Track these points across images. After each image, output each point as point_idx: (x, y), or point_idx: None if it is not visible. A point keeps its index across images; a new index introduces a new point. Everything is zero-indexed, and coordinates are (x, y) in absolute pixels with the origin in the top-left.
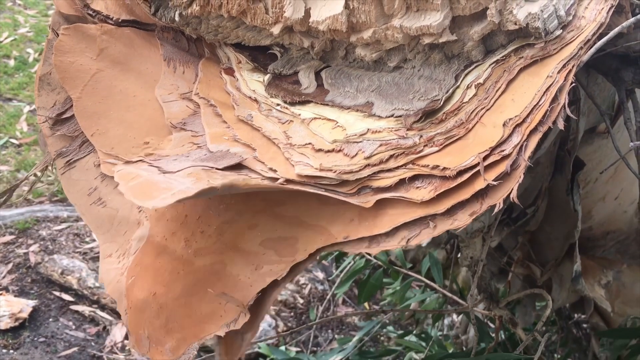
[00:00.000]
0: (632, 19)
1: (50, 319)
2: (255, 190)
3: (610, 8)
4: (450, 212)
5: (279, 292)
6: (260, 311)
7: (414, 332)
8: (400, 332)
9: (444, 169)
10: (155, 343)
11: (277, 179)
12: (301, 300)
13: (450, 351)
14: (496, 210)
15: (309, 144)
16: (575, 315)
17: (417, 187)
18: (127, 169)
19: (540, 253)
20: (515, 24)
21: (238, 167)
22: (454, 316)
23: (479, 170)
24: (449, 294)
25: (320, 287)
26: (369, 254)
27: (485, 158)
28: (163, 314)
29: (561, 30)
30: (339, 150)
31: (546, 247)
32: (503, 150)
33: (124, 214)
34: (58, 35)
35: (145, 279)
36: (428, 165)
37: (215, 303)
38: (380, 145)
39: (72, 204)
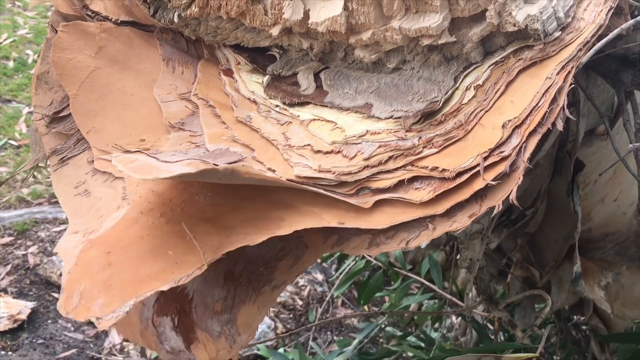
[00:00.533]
0: (631, 21)
1: (49, 321)
2: (255, 181)
3: (609, 10)
4: (450, 213)
5: (277, 294)
6: (258, 314)
7: (413, 334)
8: (400, 334)
9: (443, 170)
10: (86, 299)
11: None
12: (300, 302)
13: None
14: (495, 211)
15: (308, 145)
16: (575, 317)
17: (416, 189)
18: (125, 155)
19: (539, 255)
20: (515, 25)
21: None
22: (454, 318)
23: (478, 172)
24: (448, 296)
25: (319, 289)
26: (369, 255)
27: (484, 159)
28: (108, 270)
29: (560, 32)
30: (338, 152)
31: (545, 249)
32: (502, 152)
33: (107, 202)
34: (57, 33)
35: (103, 242)
36: (427, 167)
37: (170, 263)
38: (379, 146)
39: (57, 196)
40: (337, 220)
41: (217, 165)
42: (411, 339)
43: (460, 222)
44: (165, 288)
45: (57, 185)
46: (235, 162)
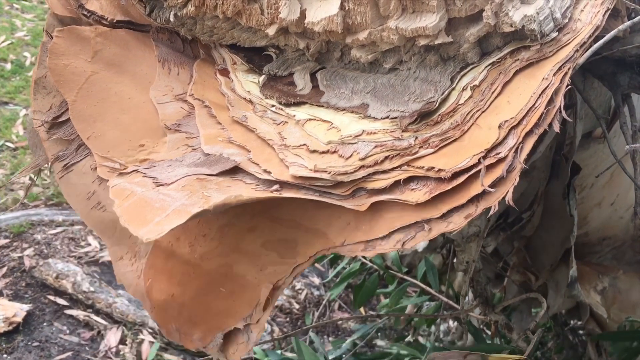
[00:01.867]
0: (628, 22)
1: (45, 324)
2: (247, 202)
3: (606, 11)
4: (446, 214)
5: (280, 292)
6: (265, 309)
7: (408, 338)
8: (396, 337)
9: (439, 170)
10: (184, 334)
11: (272, 183)
12: (297, 306)
13: None
14: (492, 212)
15: (304, 145)
16: (571, 321)
17: (412, 189)
18: (121, 185)
19: (536, 258)
20: (511, 26)
21: (232, 170)
22: (450, 322)
23: (474, 173)
24: (445, 299)
25: (316, 293)
26: (365, 258)
27: (480, 160)
28: (184, 311)
29: (557, 33)
30: (334, 152)
31: (542, 253)
32: (499, 153)
33: None
34: (52, 38)
35: (161, 281)
36: (423, 167)
37: (229, 300)
38: (376, 146)
39: (73, 209)
40: (341, 240)
41: (212, 174)
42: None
43: (456, 223)
44: (240, 326)
45: (68, 194)
46: (230, 169)
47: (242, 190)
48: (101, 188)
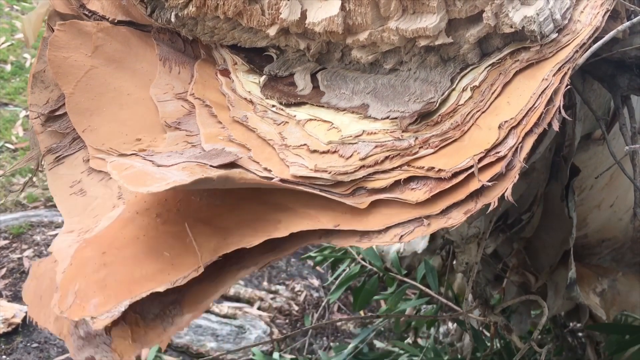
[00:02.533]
0: (627, 23)
1: None
2: (250, 186)
3: (605, 12)
4: (445, 210)
5: (241, 275)
6: (212, 291)
7: (408, 340)
8: (391, 343)
9: (439, 170)
10: (81, 299)
11: (272, 178)
12: (296, 308)
13: (446, 359)
14: (491, 208)
15: (304, 145)
16: (571, 323)
17: (412, 189)
18: (120, 160)
19: (535, 260)
20: (511, 27)
21: (232, 165)
22: (449, 324)
23: (474, 172)
24: (445, 300)
25: (315, 295)
26: (364, 260)
27: (480, 160)
28: (103, 270)
29: (557, 34)
30: (334, 152)
31: (541, 254)
32: (498, 152)
33: (102, 202)
34: (53, 31)
35: (99, 242)
36: (423, 167)
37: (166, 264)
38: (376, 146)
39: (52, 195)
40: (333, 223)
41: (213, 165)
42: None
43: (456, 219)
44: (161, 289)
45: (52, 184)
46: (231, 162)
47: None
48: (88, 178)
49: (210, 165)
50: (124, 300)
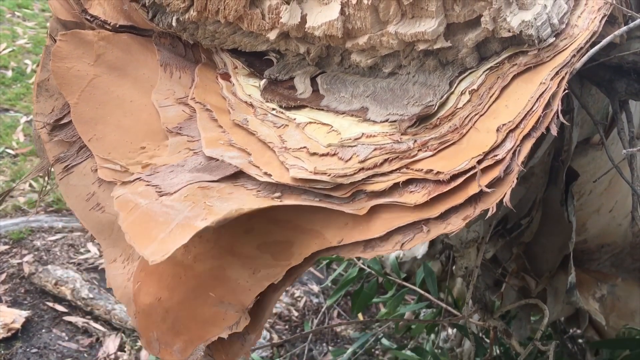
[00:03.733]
0: (623, 28)
1: (43, 330)
2: (249, 212)
3: (602, 17)
4: (444, 216)
5: (279, 295)
6: (262, 314)
7: (409, 346)
8: (395, 346)
9: (438, 173)
10: (164, 345)
11: (273, 187)
12: (296, 313)
13: None
14: (490, 214)
15: (304, 147)
16: (571, 329)
17: (411, 192)
18: (124, 196)
19: (534, 265)
20: (509, 31)
21: (234, 176)
22: (449, 329)
23: (472, 175)
24: (444, 305)
25: (315, 300)
26: (363, 264)
27: (478, 163)
28: (169, 317)
29: (554, 38)
30: (334, 154)
31: (541, 259)
32: (496, 155)
33: None
34: (56, 42)
35: (150, 284)
36: (422, 170)
37: (217, 307)
38: (375, 149)
39: (71, 209)
40: (337, 239)
41: (214, 180)
42: (406, 352)
43: (455, 225)
44: (224, 335)
45: (67, 195)
46: (231, 174)
47: (244, 198)
48: (101, 190)
49: (212, 181)
50: (199, 344)
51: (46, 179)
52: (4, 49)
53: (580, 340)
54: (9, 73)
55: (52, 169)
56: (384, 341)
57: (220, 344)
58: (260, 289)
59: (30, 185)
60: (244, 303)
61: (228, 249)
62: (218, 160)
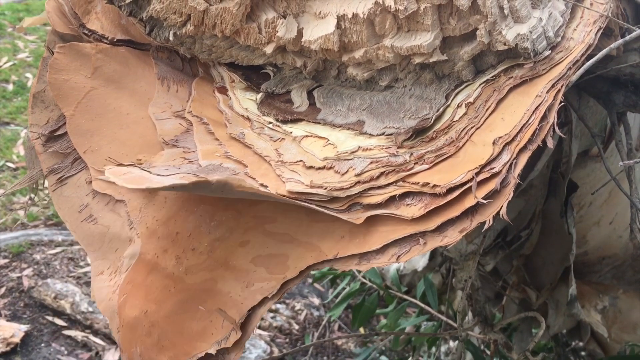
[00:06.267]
0: (620, 41)
1: (43, 344)
2: (248, 195)
3: (598, 30)
4: (441, 229)
5: (266, 309)
6: (246, 329)
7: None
8: (397, 359)
9: (434, 186)
10: None
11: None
12: (296, 327)
13: None
14: (486, 227)
15: (300, 161)
16: (573, 342)
17: (408, 205)
18: (118, 167)
19: (535, 277)
20: (505, 44)
21: None
22: (450, 343)
23: (469, 188)
24: (444, 318)
25: (315, 313)
26: (364, 277)
27: (475, 175)
28: (155, 331)
29: (550, 51)
30: (330, 168)
31: (541, 271)
32: (493, 168)
33: (115, 231)
34: (53, 54)
35: (136, 296)
36: (418, 183)
37: (206, 321)
38: (371, 162)
39: (62, 220)
40: (333, 253)
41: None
42: None
43: (451, 237)
44: (212, 351)
45: (59, 207)
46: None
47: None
48: (94, 202)
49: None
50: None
51: (36, 192)
52: (5, 63)
53: (582, 353)
54: (10, 87)
55: (45, 180)
56: (383, 358)
57: None
58: (253, 302)
59: (31, 198)
60: (235, 317)
61: (222, 262)
62: (215, 164)
